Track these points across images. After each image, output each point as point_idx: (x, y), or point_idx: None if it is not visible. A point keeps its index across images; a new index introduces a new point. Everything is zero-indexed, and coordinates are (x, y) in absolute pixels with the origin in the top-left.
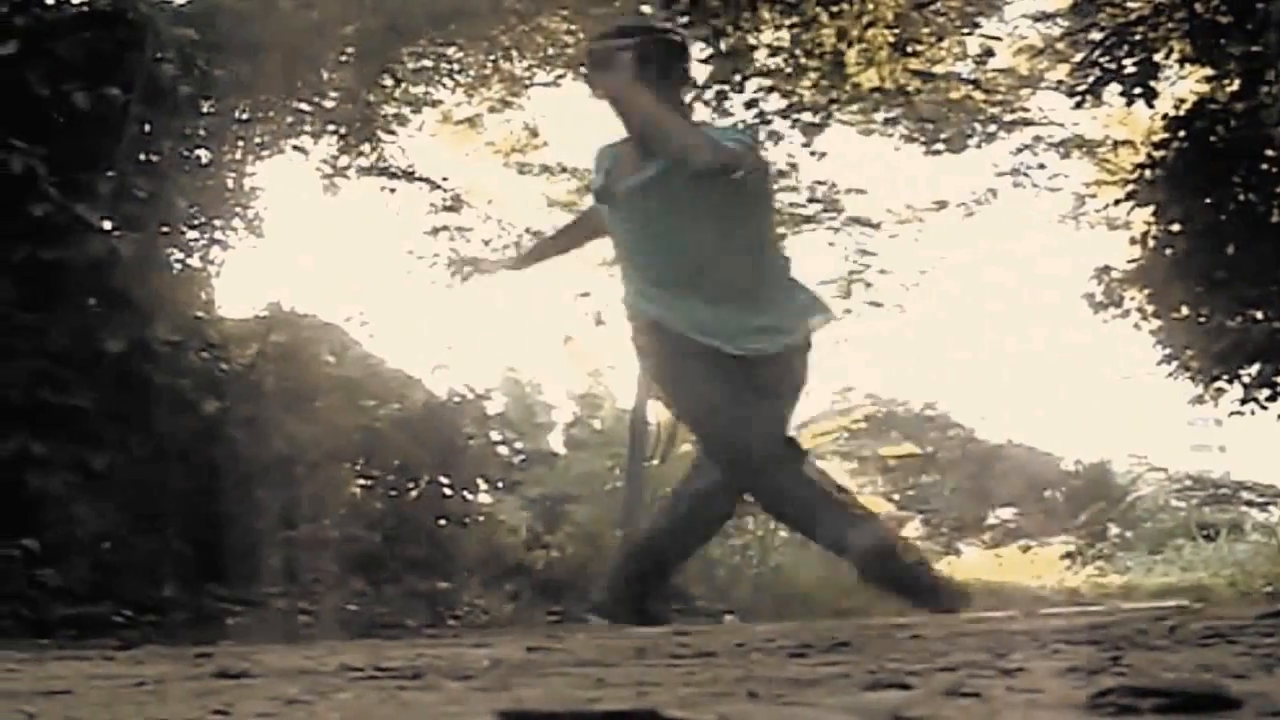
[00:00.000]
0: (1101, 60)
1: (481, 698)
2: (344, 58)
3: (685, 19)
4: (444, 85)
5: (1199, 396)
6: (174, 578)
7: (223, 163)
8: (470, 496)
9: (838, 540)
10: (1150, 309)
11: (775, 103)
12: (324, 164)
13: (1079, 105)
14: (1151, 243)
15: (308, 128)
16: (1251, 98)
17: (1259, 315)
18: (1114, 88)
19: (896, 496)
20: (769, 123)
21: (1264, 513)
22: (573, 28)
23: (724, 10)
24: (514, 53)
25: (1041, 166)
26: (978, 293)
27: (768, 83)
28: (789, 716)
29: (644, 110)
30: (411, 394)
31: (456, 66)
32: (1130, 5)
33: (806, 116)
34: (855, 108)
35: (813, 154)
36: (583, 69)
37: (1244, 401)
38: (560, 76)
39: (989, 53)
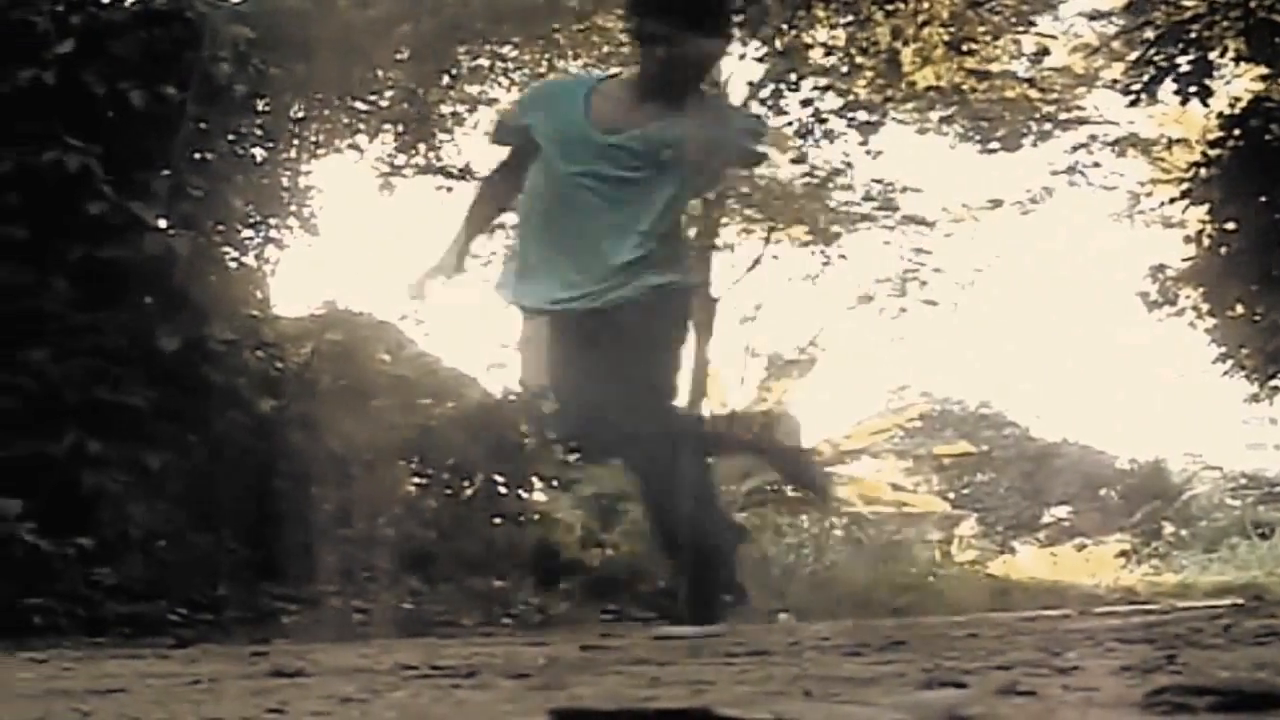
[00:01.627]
0: (1156, 58)
1: (536, 696)
2: (400, 56)
3: (741, 18)
4: (500, 84)
5: (1254, 395)
6: (229, 576)
7: (278, 161)
8: (525, 495)
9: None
10: (1205, 307)
11: (831, 101)
12: (380, 163)
13: (1134, 104)
14: (1206, 241)
15: (364, 126)
16: None
17: None
18: (1169, 86)
19: (951, 495)
20: (825, 121)
21: None
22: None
23: (779, 9)
24: (570, 51)
25: (1096, 165)
26: (1033, 291)
27: (823, 81)
28: (844, 715)
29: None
30: (467, 392)
31: (512, 65)
32: (1185, 3)
33: (862, 115)
34: (910, 106)
35: (868, 153)
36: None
37: None
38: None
39: (1044, 51)
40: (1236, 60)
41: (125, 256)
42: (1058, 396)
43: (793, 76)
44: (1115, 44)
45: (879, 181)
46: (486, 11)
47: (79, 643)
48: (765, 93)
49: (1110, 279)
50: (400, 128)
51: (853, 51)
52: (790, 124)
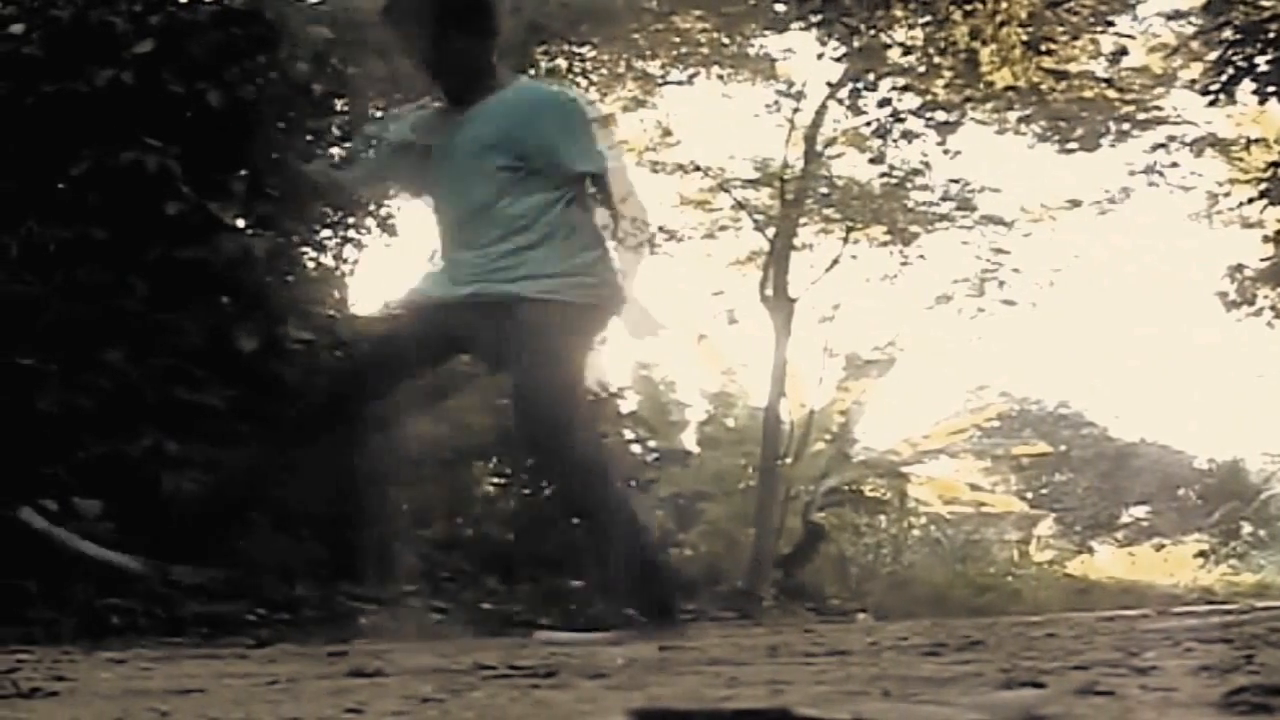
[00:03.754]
0: (1235, 58)
1: (615, 696)
2: None
3: (818, 16)
4: (578, 84)
5: None
6: (307, 576)
7: None
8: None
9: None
10: None
11: (909, 101)
12: None
13: (1212, 103)
14: None
15: None
16: None
17: None
18: (1247, 86)
19: (1029, 495)
20: (903, 121)
21: None
22: (705, 26)
23: (857, 9)
24: (647, 51)
25: (1175, 165)
26: (1111, 291)
27: (901, 81)
28: (923, 715)
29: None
30: None
31: (590, 65)
32: (1264, 3)
33: (940, 115)
34: (989, 106)
35: (946, 153)
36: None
37: None
38: (693, 75)
39: (1122, 51)
40: None
41: (203, 257)
42: (1136, 396)
43: (871, 76)
44: (1194, 44)
45: (957, 182)
46: (564, 12)
47: (157, 643)
48: (843, 93)
49: (1188, 279)
50: None
51: (931, 51)
52: (869, 124)
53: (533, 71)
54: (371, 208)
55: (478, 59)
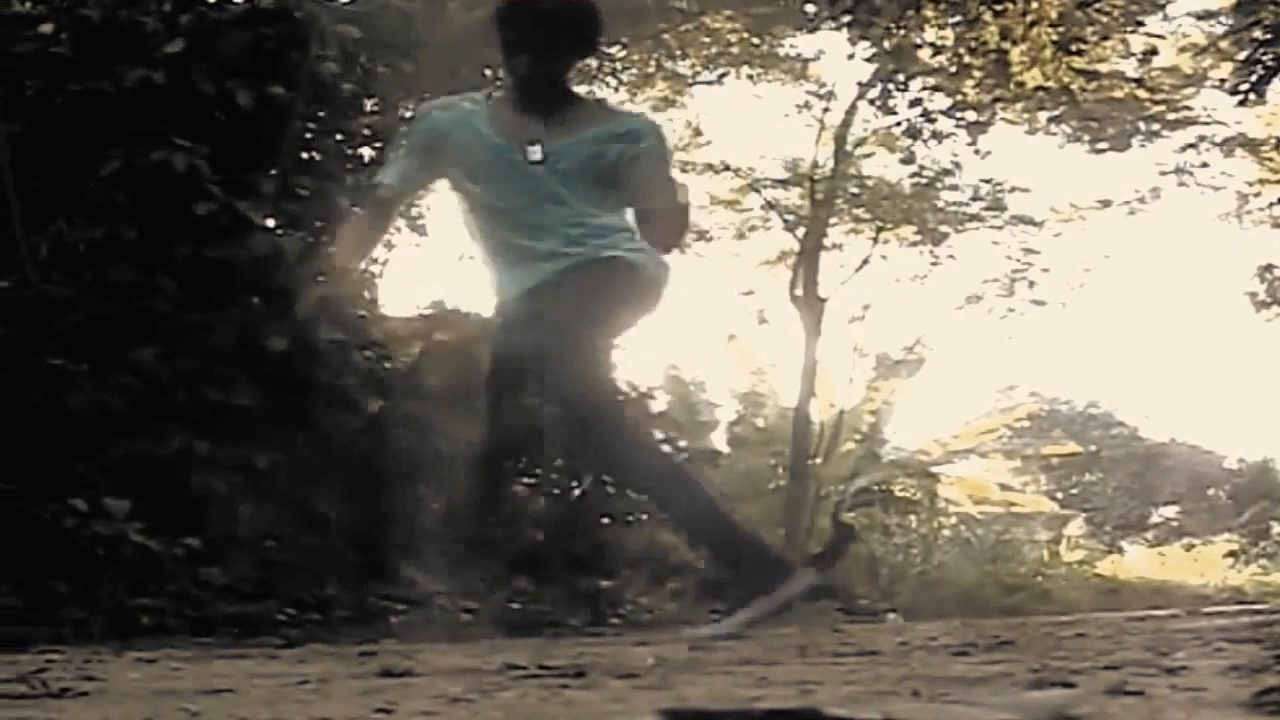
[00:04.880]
0: (1265, 58)
1: (645, 696)
2: None
3: (848, 17)
4: (608, 84)
5: None
6: (337, 576)
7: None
8: (634, 495)
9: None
10: None
11: (939, 101)
12: None
13: (1242, 103)
14: None
15: None
16: None
17: None
18: (1277, 85)
19: (1059, 495)
20: (933, 121)
21: None
22: (736, 27)
23: (888, 9)
24: (678, 51)
25: (1205, 165)
26: (1140, 291)
27: (932, 81)
28: (952, 715)
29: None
30: None
31: (620, 65)
32: None
33: (970, 115)
34: (1019, 106)
35: (977, 153)
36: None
37: None
38: (723, 75)
39: (1153, 51)
40: None
41: (233, 256)
42: (1166, 396)
43: (901, 77)
44: (1223, 44)
45: (987, 182)
46: None
47: (187, 643)
48: (874, 93)
49: (1218, 279)
50: None
51: (961, 52)
52: (899, 124)
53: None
54: (401, 209)
55: (568, 75)
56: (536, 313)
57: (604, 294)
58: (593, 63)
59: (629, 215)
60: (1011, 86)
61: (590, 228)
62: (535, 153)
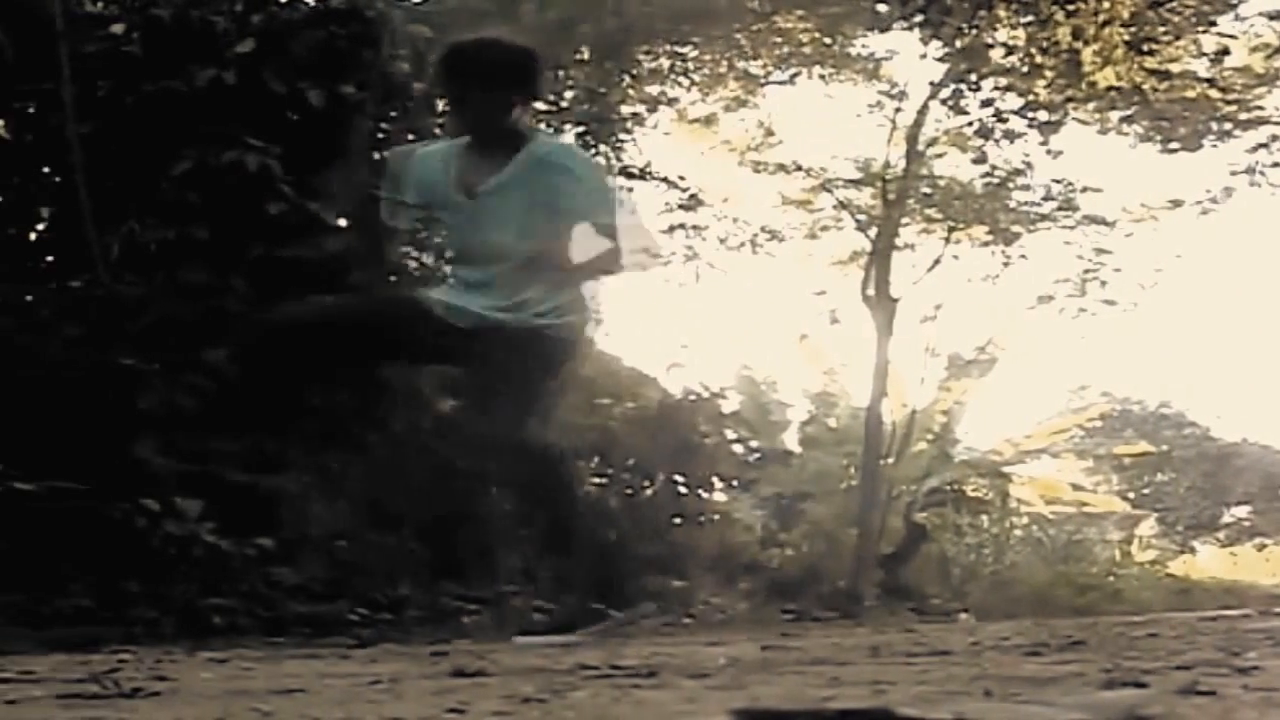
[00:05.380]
0: None
1: (717, 696)
2: (580, 56)
3: (920, 17)
4: (680, 84)
5: None
6: (409, 576)
7: None
8: (705, 495)
9: None
10: None
11: (1011, 101)
12: None
13: None
14: None
15: (544, 126)
16: None
17: None
18: None
19: (1131, 495)
20: (1005, 121)
21: None
22: (807, 26)
23: (960, 9)
24: (749, 51)
25: (1276, 165)
26: (1213, 291)
27: (1004, 81)
28: (1024, 715)
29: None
30: (646, 392)
31: (692, 65)
32: None
33: (1042, 115)
34: (1091, 106)
35: (1049, 153)
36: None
37: None
38: (795, 75)
39: (1225, 51)
40: None
41: (304, 255)
42: (1238, 396)
43: (973, 77)
44: None
45: (1059, 181)
46: (667, 12)
47: (259, 643)
48: (946, 93)
49: None
50: (581, 127)
51: (1033, 51)
52: (970, 124)
53: (635, 72)
54: None
55: (513, 114)
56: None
57: (528, 376)
58: (665, 62)
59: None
60: (1083, 86)
61: (519, 282)
62: (478, 190)
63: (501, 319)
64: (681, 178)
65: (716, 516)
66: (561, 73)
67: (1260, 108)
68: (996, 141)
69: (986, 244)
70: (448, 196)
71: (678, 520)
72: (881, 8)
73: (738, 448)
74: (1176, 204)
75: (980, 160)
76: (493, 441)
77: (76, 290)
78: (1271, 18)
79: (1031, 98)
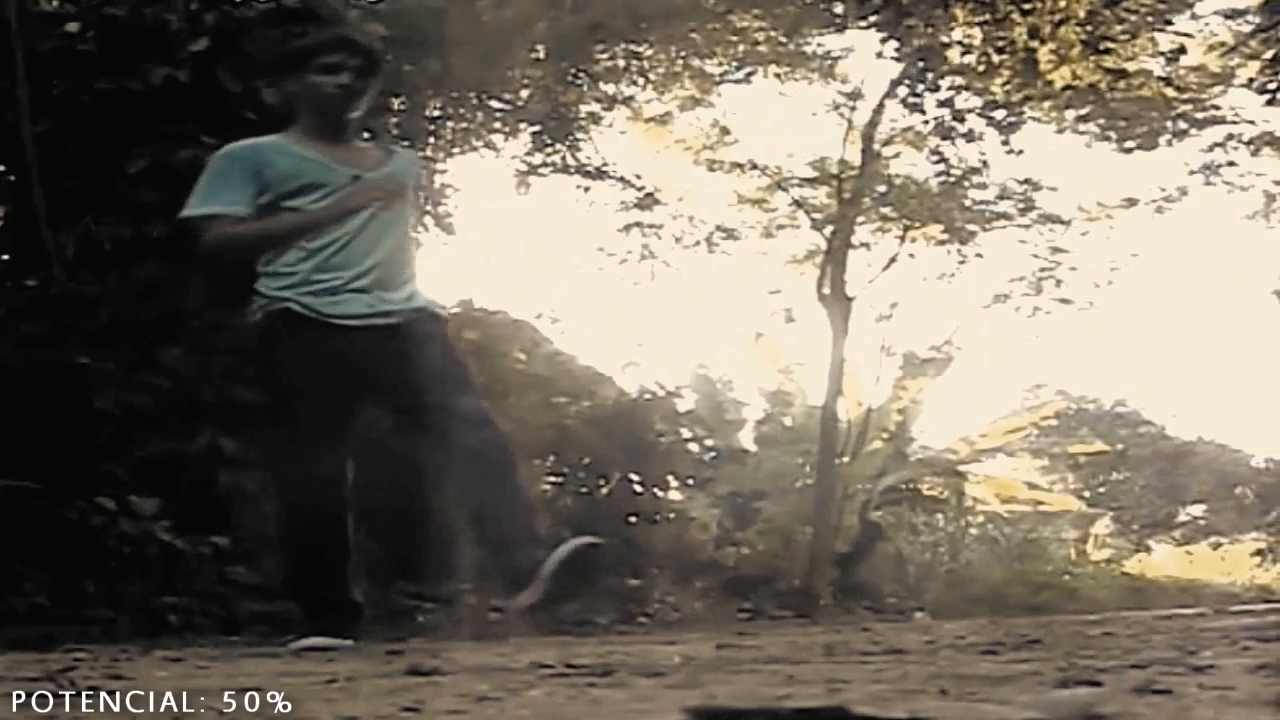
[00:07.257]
0: None
1: (672, 695)
2: (537, 55)
3: (877, 16)
4: (636, 83)
5: None
6: (364, 575)
7: None
8: (661, 494)
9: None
10: None
11: (968, 101)
12: (516, 161)
13: (1270, 102)
14: None
15: (500, 125)
16: None
17: None
18: None
19: (1086, 494)
20: (962, 120)
21: None
22: (763, 25)
23: (916, 8)
24: (705, 50)
25: (1232, 164)
26: (1168, 290)
27: (960, 80)
28: (980, 714)
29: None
30: (602, 391)
31: (648, 64)
32: None
33: (999, 114)
34: (1047, 105)
35: (1009, 152)
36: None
37: None
38: (751, 74)
39: (1181, 50)
40: None
41: None
42: (1193, 395)
43: (929, 76)
44: (1252, 43)
45: (1023, 183)
46: (624, 11)
47: (215, 641)
48: (902, 91)
49: (1246, 278)
50: (537, 126)
51: (990, 50)
52: (927, 122)
53: (592, 71)
54: (429, 206)
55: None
56: (388, 351)
57: (455, 354)
58: (620, 61)
59: None
60: (1040, 85)
61: (396, 264)
62: (357, 174)
63: (406, 309)
64: (637, 176)
65: (672, 515)
66: (517, 71)
67: (1216, 107)
68: (953, 141)
69: (942, 243)
70: (319, 175)
71: (633, 519)
72: (838, 7)
73: (693, 446)
74: (1132, 202)
75: (938, 159)
76: (463, 419)
77: (32, 289)
78: (1227, 17)
79: (989, 97)
